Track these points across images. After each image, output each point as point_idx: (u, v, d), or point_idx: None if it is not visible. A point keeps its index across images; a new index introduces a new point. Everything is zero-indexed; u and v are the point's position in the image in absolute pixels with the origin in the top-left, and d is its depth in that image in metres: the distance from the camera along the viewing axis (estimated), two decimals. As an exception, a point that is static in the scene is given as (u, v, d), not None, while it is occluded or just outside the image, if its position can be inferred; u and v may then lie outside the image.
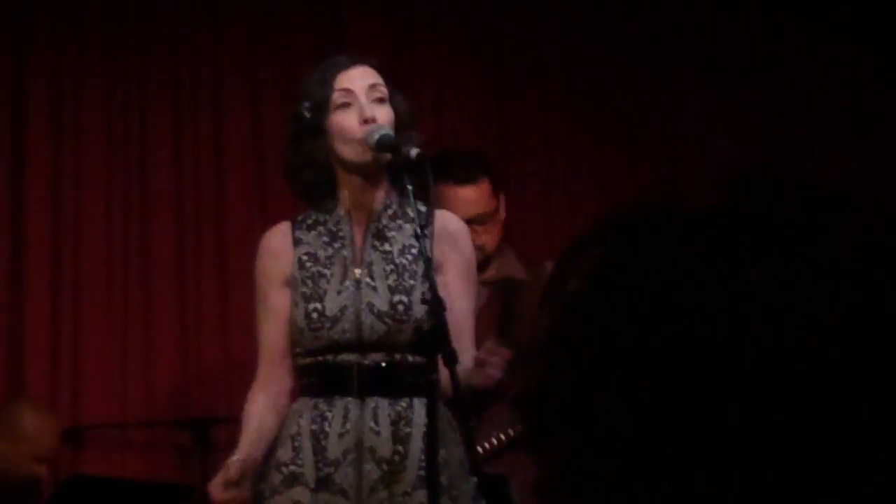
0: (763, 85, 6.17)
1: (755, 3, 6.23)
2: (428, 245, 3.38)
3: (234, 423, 5.51)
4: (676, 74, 6.24)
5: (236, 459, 3.46)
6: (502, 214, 4.47)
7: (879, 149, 6.04)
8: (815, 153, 5.95)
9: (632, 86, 6.20)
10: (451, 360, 3.21)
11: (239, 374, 5.73)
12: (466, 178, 4.38)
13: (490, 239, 4.37)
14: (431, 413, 3.27)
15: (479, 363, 3.26)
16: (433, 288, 3.31)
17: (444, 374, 3.29)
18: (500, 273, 4.45)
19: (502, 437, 4.26)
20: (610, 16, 6.26)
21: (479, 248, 4.36)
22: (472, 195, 4.36)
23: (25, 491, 5.08)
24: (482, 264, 4.39)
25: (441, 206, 4.34)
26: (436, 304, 3.28)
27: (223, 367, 5.74)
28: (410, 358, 3.43)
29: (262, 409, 3.54)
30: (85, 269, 5.69)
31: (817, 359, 0.81)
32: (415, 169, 3.41)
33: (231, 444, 5.57)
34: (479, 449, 4.23)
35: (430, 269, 3.34)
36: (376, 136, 3.43)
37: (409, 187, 3.40)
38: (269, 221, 5.78)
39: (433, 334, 3.27)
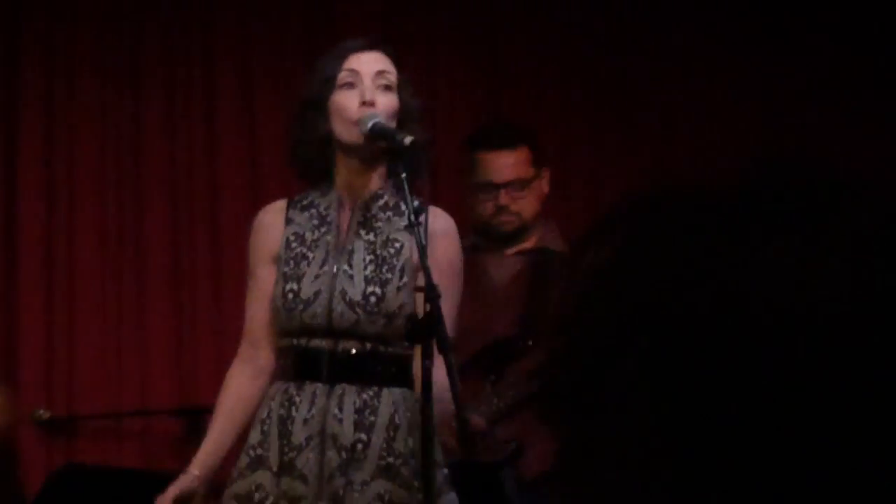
0: (761, 71, 6.17)
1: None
2: (422, 232, 3.37)
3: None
4: (674, 56, 6.23)
5: (195, 476, 3.48)
6: (544, 188, 4.49)
7: (882, 139, 6.04)
8: (814, 142, 5.95)
9: (628, 69, 6.19)
10: (445, 346, 3.21)
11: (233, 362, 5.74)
12: (502, 143, 4.41)
13: (527, 206, 4.39)
14: (426, 399, 3.27)
15: (447, 427, 3.32)
16: (427, 275, 3.30)
17: (416, 365, 3.32)
18: (538, 244, 4.47)
19: (511, 395, 4.29)
20: None
21: (514, 215, 4.39)
22: (508, 160, 4.40)
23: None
24: (519, 233, 4.42)
25: (477, 175, 4.36)
26: (430, 291, 3.28)
27: (218, 356, 5.73)
28: (383, 348, 3.43)
29: (235, 396, 3.54)
30: (79, 258, 5.68)
31: (835, 340, 0.81)
32: (409, 157, 3.40)
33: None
34: (496, 404, 4.26)
35: (424, 256, 3.34)
36: (369, 124, 3.42)
37: (404, 175, 3.39)
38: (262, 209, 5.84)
39: (427, 321, 3.28)
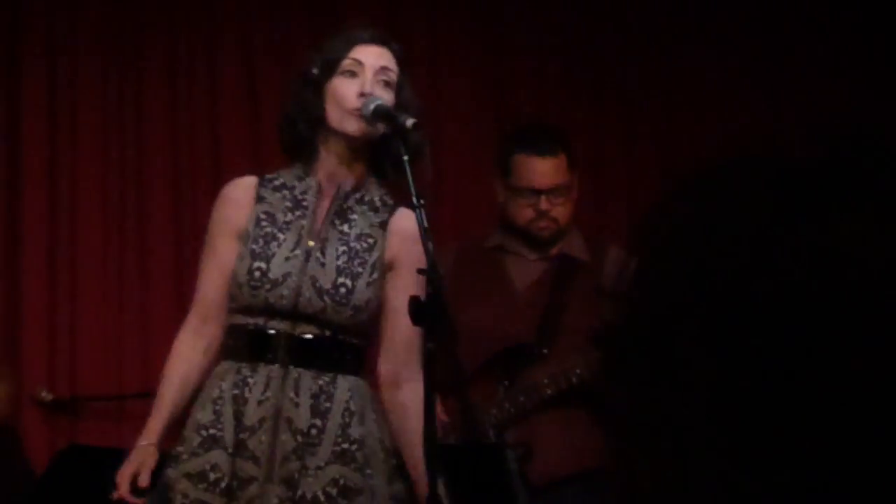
0: (757, 56, 6.17)
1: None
2: (423, 216, 3.34)
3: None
4: (677, 41, 6.23)
5: (152, 447, 3.45)
6: (575, 192, 4.49)
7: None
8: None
9: (631, 56, 6.19)
10: (447, 330, 3.21)
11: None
12: (546, 150, 4.40)
13: (564, 213, 4.39)
14: (428, 383, 3.27)
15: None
16: (430, 257, 3.30)
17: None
18: (561, 250, 4.46)
19: (523, 400, 4.29)
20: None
21: (553, 221, 4.38)
22: (550, 167, 4.39)
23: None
24: (555, 238, 4.41)
25: (517, 178, 4.36)
26: (432, 273, 3.27)
27: (220, 339, 5.74)
28: (341, 337, 3.42)
29: (187, 367, 3.50)
30: (82, 240, 5.69)
31: None
32: (411, 139, 3.39)
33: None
34: (508, 410, 4.26)
35: (427, 237, 3.32)
36: (371, 106, 3.41)
37: (406, 157, 3.38)
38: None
39: (429, 304, 3.27)
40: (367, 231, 3.49)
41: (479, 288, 4.38)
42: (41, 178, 5.69)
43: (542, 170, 4.37)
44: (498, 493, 3.93)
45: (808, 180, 0.86)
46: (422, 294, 3.30)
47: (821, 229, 0.83)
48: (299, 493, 3.36)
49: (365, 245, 3.47)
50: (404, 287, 3.43)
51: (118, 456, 5.35)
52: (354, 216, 3.49)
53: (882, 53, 6.15)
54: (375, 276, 3.46)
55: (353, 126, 3.43)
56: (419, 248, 3.36)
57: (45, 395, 5.54)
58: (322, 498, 3.35)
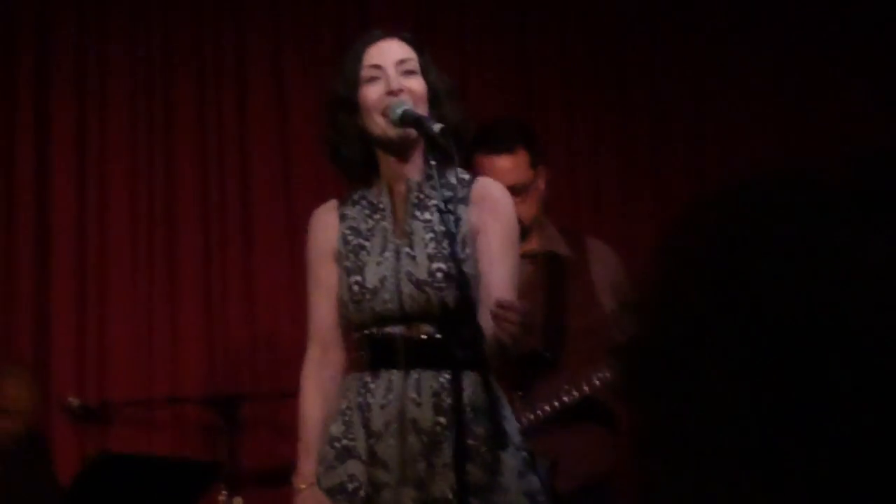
0: (789, 57, 6.14)
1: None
2: (451, 220, 3.35)
3: (261, 400, 5.55)
4: (703, 41, 6.21)
5: (311, 487, 3.45)
6: (541, 187, 4.44)
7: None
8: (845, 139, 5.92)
9: (658, 55, 6.18)
10: (476, 335, 3.19)
11: (266, 351, 5.75)
12: (502, 148, 4.35)
13: (526, 210, 4.33)
14: (456, 386, 3.26)
15: (494, 317, 3.21)
16: (458, 264, 3.29)
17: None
18: (543, 247, 4.43)
19: (547, 408, 4.27)
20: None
21: None
22: (508, 164, 4.33)
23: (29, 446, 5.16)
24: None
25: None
26: (461, 279, 3.26)
27: (250, 345, 5.75)
28: (457, 330, 3.40)
29: (321, 404, 3.51)
30: (111, 247, 5.71)
31: None
32: (440, 145, 3.38)
33: (258, 421, 5.61)
34: (528, 419, 4.25)
35: (454, 244, 3.32)
36: (399, 112, 3.40)
37: (433, 163, 3.38)
38: (294, 196, 5.86)
39: (458, 309, 3.26)
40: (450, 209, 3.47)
41: None
42: (70, 186, 5.71)
43: (499, 168, 4.29)
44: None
45: (836, 201, 0.85)
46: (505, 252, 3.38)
47: (848, 249, 0.82)
48: (429, 493, 3.35)
49: (444, 229, 3.45)
50: (493, 250, 3.45)
51: (147, 462, 5.39)
52: (433, 202, 3.47)
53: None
54: (468, 250, 3.45)
55: (388, 129, 3.43)
56: (501, 208, 3.44)
57: (74, 402, 5.54)
58: (451, 497, 3.32)
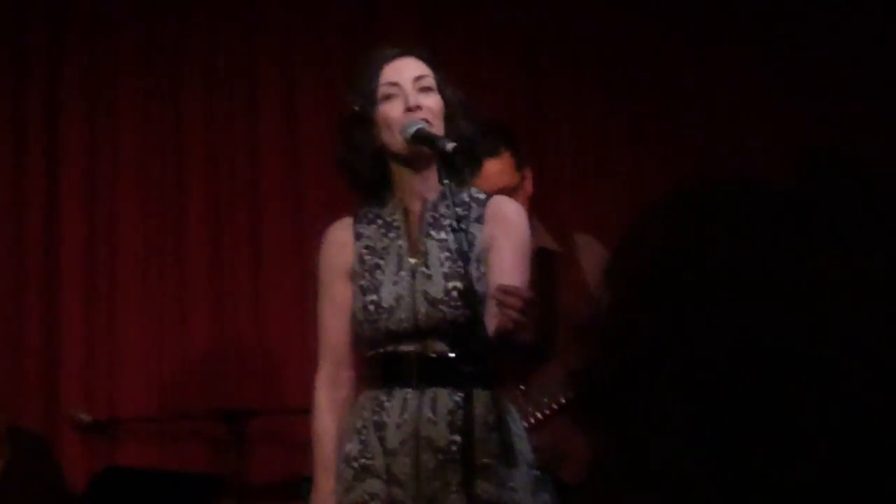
0: (803, 58, 6.14)
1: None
2: (464, 238, 3.36)
3: (269, 415, 5.54)
4: (713, 40, 6.21)
5: None
6: (528, 189, 4.45)
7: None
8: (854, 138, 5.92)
9: (669, 65, 6.17)
10: (485, 355, 3.20)
11: (274, 366, 5.74)
12: (486, 151, 4.36)
13: None
14: (467, 403, 3.26)
15: (500, 303, 3.20)
16: (468, 281, 3.29)
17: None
18: (533, 244, 4.45)
19: (552, 404, 4.27)
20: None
21: None
22: (493, 168, 4.33)
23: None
24: None
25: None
26: (472, 298, 3.26)
27: (258, 359, 5.75)
28: (470, 349, 3.40)
29: (334, 427, 3.50)
30: (119, 261, 5.71)
31: (884, 348, 0.79)
32: (452, 163, 3.39)
33: (266, 435, 5.60)
34: (531, 413, 4.25)
35: (466, 263, 3.32)
36: (412, 130, 3.41)
37: (446, 181, 3.38)
38: (304, 211, 5.86)
39: (467, 326, 3.26)
40: (465, 227, 3.47)
41: None
42: (79, 201, 5.71)
43: (485, 172, 4.30)
44: None
45: (782, 210, 0.84)
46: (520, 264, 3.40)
47: (796, 260, 0.81)
48: None
49: (466, 245, 3.45)
50: (506, 263, 3.45)
51: (157, 477, 5.39)
52: (447, 221, 3.47)
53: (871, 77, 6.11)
54: (482, 269, 3.45)
55: (406, 146, 3.43)
56: (514, 224, 3.46)
57: (84, 417, 5.54)
58: None
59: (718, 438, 0.81)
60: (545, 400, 4.27)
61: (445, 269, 3.43)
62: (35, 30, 5.76)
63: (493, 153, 4.35)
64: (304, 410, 5.15)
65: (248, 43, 5.92)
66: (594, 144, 6.14)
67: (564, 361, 4.26)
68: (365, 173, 3.52)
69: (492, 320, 3.27)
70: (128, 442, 5.63)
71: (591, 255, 4.49)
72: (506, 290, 3.18)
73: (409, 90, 3.45)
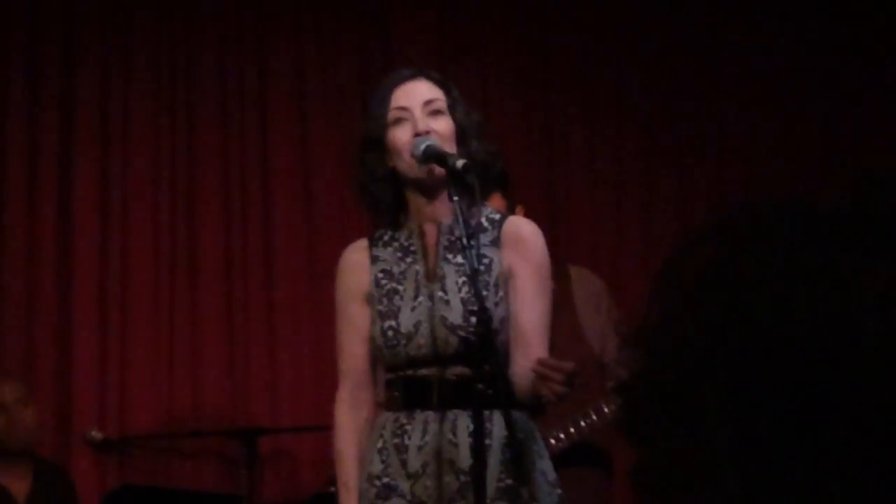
0: (816, 82, 6.15)
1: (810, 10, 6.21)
2: (474, 256, 3.35)
3: (281, 433, 5.55)
4: (725, 71, 6.22)
5: None
6: None
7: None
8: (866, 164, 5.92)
9: (679, 83, 6.19)
10: (498, 371, 3.19)
11: (286, 385, 5.75)
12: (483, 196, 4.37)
13: None
14: (477, 422, 3.26)
15: (542, 377, 3.22)
16: (480, 300, 3.28)
17: (523, 379, 3.28)
18: None
19: (562, 436, 4.27)
20: (656, 12, 6.25)
21: None
22: None
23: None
24: None
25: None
26: (483, 316, 3.26)
27: (270, 379, 5.75)
28: (490, 371, 3.39)
29: (356, 448, 3.51)
30: (132, 281, 5.71)
31: None
32: (462, 180, 3.38)
33: (277, 454, 5.61)
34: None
35: (476, 281, 3.32)
36: (421, 147, 3.40)
37: (456, 198, 3.37)
38: (316, 230, 5.87)
39: (480, 346, 3.26)
40: (481, 252, 3.47)
41: None
42: (92, 217, 5.72)
43: None
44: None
45: (833, 229, 0.84)
46: (539, 289, 3.41)
47: (847, 279, 0.81)
48: None
49: (482, 267, 3.45)
50: (525, 292, 3.45)
51: (169, 496, 5.39)
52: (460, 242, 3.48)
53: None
54: (501, 293, 3.45)
55: (416, 170, 3.42)
56: (532, 247, 3.44)
57: (96, 435, 5.55)
58: None
59: (765, 453, 0.81)
60: (559, 434, 4.27)
61: (463, 295, 3.42)
62: (48, 41, 5.78)
63: (484, 197, 4.36)
64: (316, 429, 5.18)
65: (260, 62, 5.94)
66: (607, 167, 6.15)
67: (555, 409, 4.26)
68: (380, 197, 3.51)
69: (522, 377, 3.29)
70: (140, 460, 5.63)
71: (583, 288, 4.50)
72: (549, 365, 3.19)
73: (418, 115, 3.44)
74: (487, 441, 3.36)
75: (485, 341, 3.25)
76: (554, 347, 4.32)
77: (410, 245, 3.50)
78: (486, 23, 6.15)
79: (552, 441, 4.26)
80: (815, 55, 6.18)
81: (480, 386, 3.33)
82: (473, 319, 3.36)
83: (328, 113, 5.88)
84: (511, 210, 4.44)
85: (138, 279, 5.71)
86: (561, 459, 4.24)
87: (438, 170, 3.39)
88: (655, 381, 0.87)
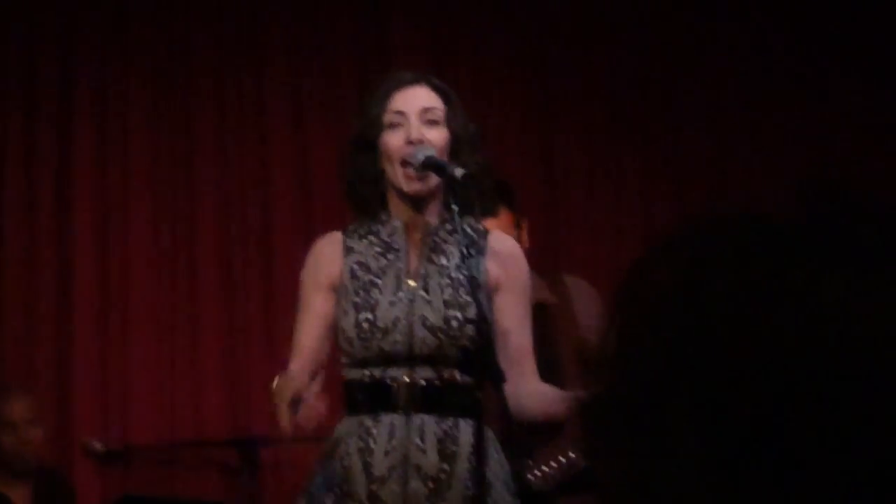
0: (810, 94, 6.16)
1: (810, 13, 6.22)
2: (475, 264, 3.36)
3: (281, 442, 5.54)
4: (725, 88, 6.23)
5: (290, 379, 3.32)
6: (525, 241, 4.45)
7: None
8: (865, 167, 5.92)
9: (677, 98, 6.19)
10: (498, 379, 3.19)
11: (286, 393, 5.75)
12: (484, 211, 4.36)
13: None
14: (478, 433, 3.25)
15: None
16: (479, 307, 3.28)
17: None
18: (535, 300, 4.44)
19: (560, 460, 4.26)
20: (655, 29, 6.26)
21: None
22: (492, 227, 4.35)
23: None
24: None
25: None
26: (482, 324, 3.26)
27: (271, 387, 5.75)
28: (459, 377, 3.39)
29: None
30: (132, 290, 5.72)
31: (890, 375, 0.80)
32: (461, 190, 3.38)
33: (278, 463, 5.61)
34: (535, 474, 4.23)
35: (475, 289, 3.32)
36: (421, 157, 3.39)
37: (455, 208, 3.36)
38: (315, 236, 5.85)
39: (480, 354, 3.26)
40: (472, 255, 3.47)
41: None
42: (92, 229, 5.73)
43: None
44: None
45: (789, 240, 0.84)
46: (523, 311, 3.44)
47: (804, 289, 0.82)
48: None
49: (467, 273, 3.44)
50: (512, 309, 3.47)
51: (169, 505, 5.40)
52: (450, 247, 3.46)
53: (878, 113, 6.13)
54: (484, 300, 3.45)
55: (409, 186, 3.41)
56: (519, 266, 3.46)
57: (97, 446, 5.55)
58: None
59: (731, 465, 0.81)
60: (548, 472, 4.27)
61: (446, 297, 3.41)
62: (46, 53, 5.79)
63: (492, 213, 4.36)
64: (318, 438, 5.17)
65: (257, 68, 5.95)
66: (606, 181, 6.16)
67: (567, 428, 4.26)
68: (366, 196, 3.51)
69: (535, 402, 3.35)
70: (141, 470, 5.63)
71: (583, 301, 4.50)
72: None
73: (413, 121, 3.43)
74: (454, 447, 3.37)
75: (484, 349, 3.26)
76: (558, 363, 4.32)
77: (393, 242, 3.48)
78: (483, 34, 6.15)
79: (562, 459, 4.25)
80: (814, 73, 6.19)
81: (479, 394, 3.33)
82: (455, 324, 3.36)
83: (326, 120, 5.89)
84: (517, 225, 4.44)
85: (137, 289, 5.72)
86: (566, 485, 4.23)
87: (429, 183, 3.39)
88: (618, 401, 0.86)
